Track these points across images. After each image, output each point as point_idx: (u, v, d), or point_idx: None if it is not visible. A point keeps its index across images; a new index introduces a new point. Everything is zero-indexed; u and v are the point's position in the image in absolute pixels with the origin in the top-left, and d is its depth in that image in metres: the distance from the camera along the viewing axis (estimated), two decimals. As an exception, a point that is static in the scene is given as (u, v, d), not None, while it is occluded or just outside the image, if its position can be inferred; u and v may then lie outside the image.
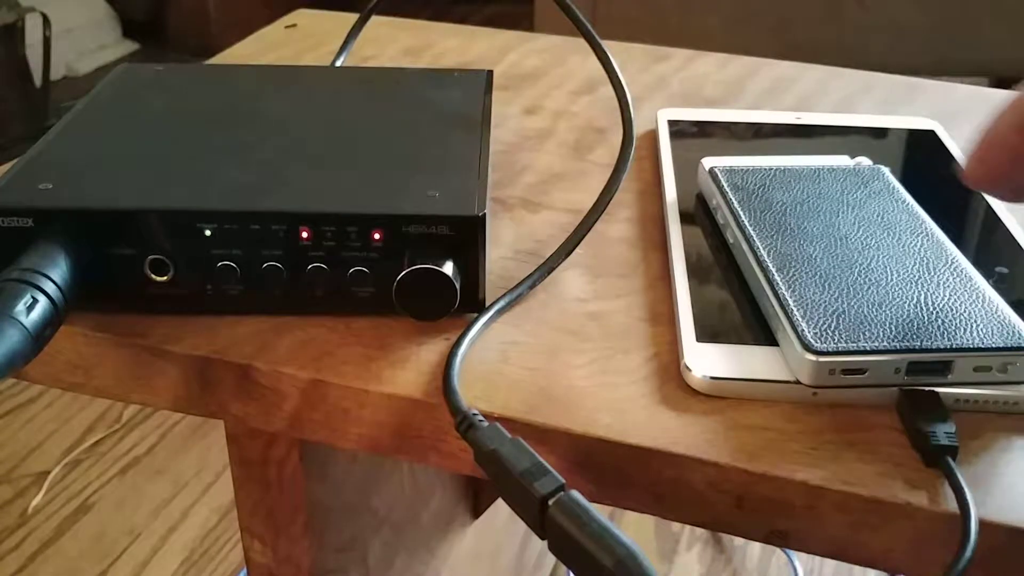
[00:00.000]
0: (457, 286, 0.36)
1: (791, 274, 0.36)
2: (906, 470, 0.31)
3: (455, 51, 0.64)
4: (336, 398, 0.35)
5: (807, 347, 0.33)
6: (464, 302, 0.37)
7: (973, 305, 0.34)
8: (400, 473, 0.58)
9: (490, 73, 0.49)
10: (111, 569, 1.09)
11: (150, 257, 0.36)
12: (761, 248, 0.38)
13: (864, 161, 0.45)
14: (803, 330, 0.33)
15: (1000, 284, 0.39)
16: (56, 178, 0.38)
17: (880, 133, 0.53)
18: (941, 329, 0.33)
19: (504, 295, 0.38)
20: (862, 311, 0.34)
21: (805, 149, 0.50)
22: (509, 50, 0.65)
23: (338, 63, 0.58)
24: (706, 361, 0.34)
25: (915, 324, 0.33)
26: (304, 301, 0.37)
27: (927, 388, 0.33)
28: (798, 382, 0.33)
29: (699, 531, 1.14)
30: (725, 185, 0.42)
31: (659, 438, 0.32)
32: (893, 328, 0.33)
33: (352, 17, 0.64)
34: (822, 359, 0.32)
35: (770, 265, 0.37)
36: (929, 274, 0.36)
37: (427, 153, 0.41)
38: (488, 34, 0.68)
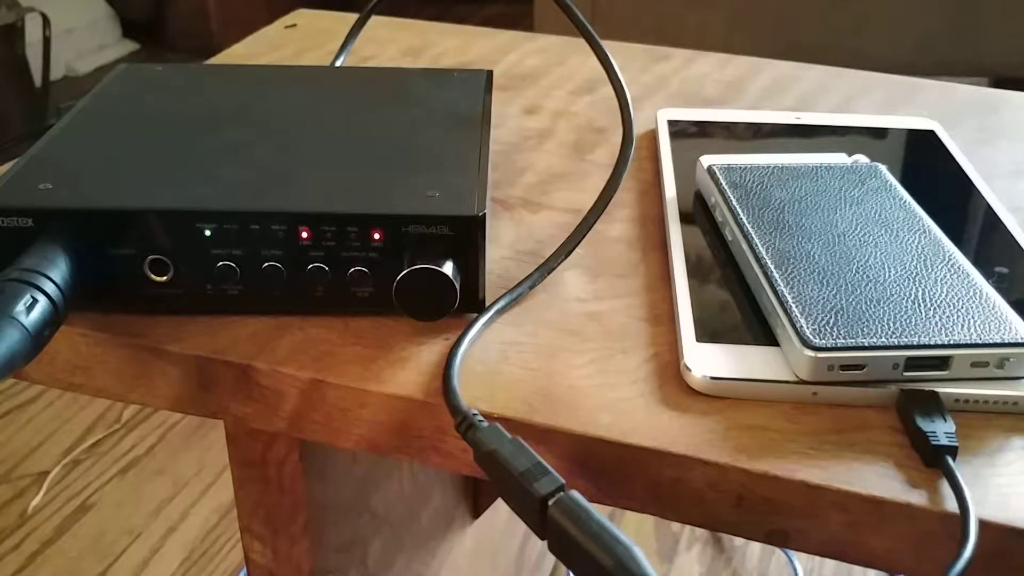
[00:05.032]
0: (457, 286, 0.36)
1: (789, 271, 0.36)
2: (906, 470, 0.31)
3: (455, 51, 0.64)
4: (336, 398, 0.35)
5: (806, 343, 0.33)
6: (464, 302, 0.37)
7: (970, 301, 0.34)
8: (400, 473, 0.58)
9: (490, 73, 0.49)
10: (111, 569, 1.09)
11: (150, 257, 0.36)
12: (760, 245, 0.38)
13: (861, 159, 0.45)
14: (802, 326, 0.33)
15: (1000, 284, 0.39)
16: (56, 178, 0.38)
17: (880, 133, 0.53)
18: (938, 325, 0.33)
19: (504, 295, 0.38)
20: (860, 307, 0.34)
21: (805, 149, 0.50)
22: (509, 50, 0.65)
23: (338, 63, 0.58)
24: (706, 361, 0.34)
25: (913, 320, 0.33)
26: (304, 301, 0.37)
27: (926, 387, 0.33)
28: (798, 381, 0.33)
29: (699, 531, 1.14)
30: (723, 183, 0.42)
31: (659, 438, 0.32)
32: (891, 324, 0.33)
33: (352, 17, 0.64)
34: (821, 355, 0.32)
35: (768, 262, 0.37)
36: (926, 270, 0.36)
37: (427, 153, 0.41)
38: (488, 34, 0.68)
